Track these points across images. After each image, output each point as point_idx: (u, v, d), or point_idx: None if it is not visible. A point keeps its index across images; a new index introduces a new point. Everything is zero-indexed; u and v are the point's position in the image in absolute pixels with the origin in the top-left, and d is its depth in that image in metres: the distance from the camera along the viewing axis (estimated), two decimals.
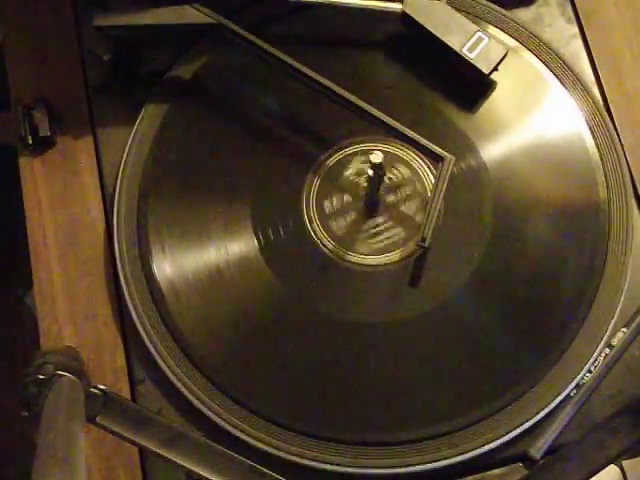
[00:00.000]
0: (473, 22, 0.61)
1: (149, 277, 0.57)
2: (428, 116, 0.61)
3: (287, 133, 0.61)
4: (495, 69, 0.60)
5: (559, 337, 0.55)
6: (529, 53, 0.62)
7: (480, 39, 0.59)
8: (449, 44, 0.60)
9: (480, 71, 0.59)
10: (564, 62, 0.62)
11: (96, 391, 0.48)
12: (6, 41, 0.65)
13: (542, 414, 0.54)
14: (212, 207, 0.59)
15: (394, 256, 0.58)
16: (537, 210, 0.59)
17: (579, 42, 0.65)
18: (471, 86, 0.61)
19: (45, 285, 0.60)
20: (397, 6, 0.60)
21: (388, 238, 0.58)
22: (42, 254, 0.60)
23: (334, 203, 0.59)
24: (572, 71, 0.62)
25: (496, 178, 0.59)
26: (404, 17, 0.61)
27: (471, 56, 0.59)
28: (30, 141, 0.61)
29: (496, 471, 0.54)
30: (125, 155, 0.60)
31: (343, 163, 0.60)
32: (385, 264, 0.58)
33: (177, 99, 0.62)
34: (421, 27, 0.60)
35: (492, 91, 0.61)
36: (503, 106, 0.61)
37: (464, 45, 0.59)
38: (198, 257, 0.58)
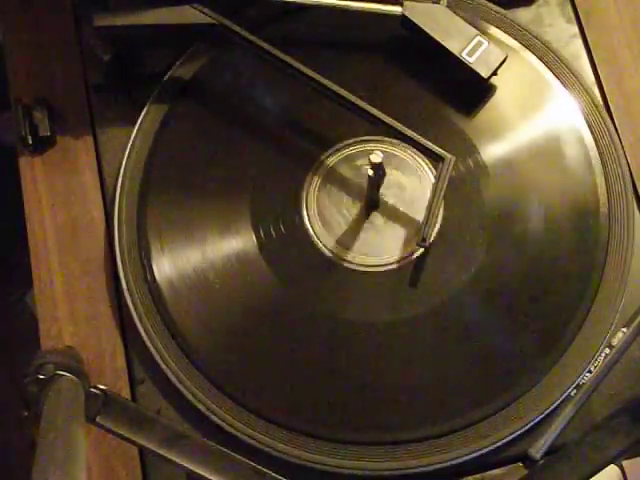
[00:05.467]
0: (473, 22, 0.61)
1: (149, 277, 0.57)
2: (428, 116, 0.61)
3: (287, 133, 0.61)
4: (494, 73, 0.60)
5: (559, 337, 0.55)
6: (529, 53, 0.62)
7: (480, 43, 0.60)
8: (448, 48, 0.60)
9: (479, 75, 0.59)
10: (564, 62, 0.62)
11: (96, 391, 0.48)
12: (6, 41, 0.65)
13: (542, 414, 0.54)
14: (212, 207, 0.59)
15: (394, 256, 0.58)
16: (537, 210, 0.59)
17: (579, 42, 0.65)
18: (471, 87, 0.61)
19: (45, 285, 0.60)
20: (397, 9, 0.60)
21: (388, 238, 0.58)
22: (42, 254, 0.60)
23: (334, 203, 0.59)
24: (572, 71, 0.62)
25: (496, 178, 0.59)
26: (404, 20, 0.61)
27: (470, 60, 0.59)
28: (30, 141, 0.61)
29: (496, 471, 0.54)
30: (125, 155, 0.60)
31: (343, 163, 0.60)
32: (385, 264, 0.58)
33: (177, 99, 0.62)
34: (421, 30, 0.60)
35: (492, 91, 0.61)
36: (503, 106, 0.61)
37: (464, 49, 0.59)
38: (198, 257, 0.58)
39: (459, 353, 0.56)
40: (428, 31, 0.60)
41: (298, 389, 0.55)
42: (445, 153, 0.56)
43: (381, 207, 0.59)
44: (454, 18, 0.60)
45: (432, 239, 0.56)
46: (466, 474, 0.54)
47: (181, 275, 0.57)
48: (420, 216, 0.58)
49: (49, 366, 0.47)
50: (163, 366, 0.55)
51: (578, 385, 0.55)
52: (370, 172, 0.56)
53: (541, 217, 0.58)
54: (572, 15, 0.65)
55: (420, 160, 0.60)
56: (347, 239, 0.58)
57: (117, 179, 0.60)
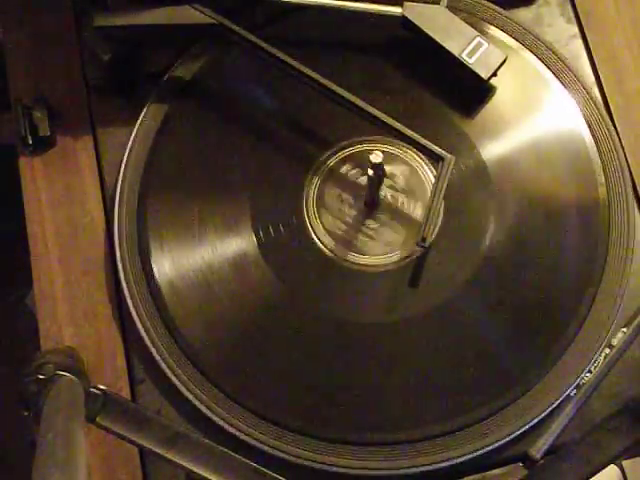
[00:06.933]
0: (473, 22, 0.61)
1: (149, 277, 0.57)
2: (428, 116, 0.61)
3: (287, 133, 0.61)
4: (494, 74, 0.60)
5: (559, 337, 0.55)
6: (529, 53, 0.62)
7: (479, 44, 0.60)
8: (448, 49, 0.60)
9: (479, 76, 0.59)
10: (564, 62, 0.62)
11: (96, 391, 0.48)
12: (6, 41, 0.65)
13: (542, 414, 0.54)
14: (212, 207, 0.59)
15: (394, 256, 0.58)
16: (537, 210, 0.59)
17: (579, 42, 0.65)
18: (471, 87, 0.61)
19: (45, 285, 0.60)
20: (397, 10, 0.60)
21: (388, 238, 0.58)
22: (42, 254, 0.60)
23: (334, 203, 0.59)
24: (572, 71, 0.62)
25: (496, 178, 0.59)
26: (404, 21, 0.61)
27: (470, 61, 0.59)
28: (30, 141, 0.61)
29: (496, 471, 0.54)
30: (125, 155, 0.60)
31: (343, 163, 0.60)
32: (385, 264, 0.58)
33: (177, 99, 0.62)
34: (421, 31, 0.60)
35: (492, 91, 0.61)
36: (503, 106, 0.61)
37: (463, 50, 0.59)
38: (198, 257, 0.58)
39: (459, 353, 0.56)
40: (428, 32, 0.60)
41: (298, 389, 0.55)
42: (445, 153, 0.56)
43: (381, 207, 0.59)
44: (454, 19, 0.60)
45: (432, 239, 0.56)
46: (466, 474, 0.54)
47: (181, 275, 0.57)
48: (420, 216, 0.58)
49: (49, 366, 0.47)
50: (163, 366, 0.55)
51: (578, 385, 0.55)
52: (370, 172, 0.56)
53: (541, 217, 0.58)
54: (572, 15, 0.65)
55: (420, 160, 0.60)
56: (347, 239, 0.58)
57: (117, 179, 0.60)
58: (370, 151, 0.55)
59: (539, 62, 0.62)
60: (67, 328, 0.59)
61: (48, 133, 0.62)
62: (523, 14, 0.65)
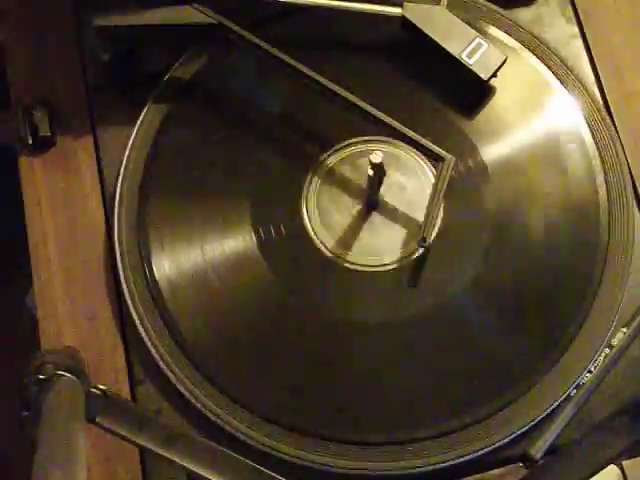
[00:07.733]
0: (473, 22, 0.61)
1: (149, 277, 0.57)
2: (428, 117, 0.61)
3: (287, 133, 0.61)
4: (494, 75, 0.60)
5: (559, 337, 0.55)
6: (529, 53, 0.62)
7: (479, 45, 0.60)
8: (448, 50, 0.60)
9: (479, 77, 0.59)
10: (564, 62, 0.62)
11: (96, 391, 0.48)
12: (6, 41, 0.65)
13: (542, 414, 0.54)
14: (212, 207, 0.59)
15: (394, 256, 0.58)
16: (537, 210, 0.59)
17: (579, 42, 0.65)
18: (471, 87, 0.61)
19: (45, 285, 0.60)
20: (397, 10, 0.60)
21: (388, 238, 0.58)
22: (42, 254, 0.60)
23: (334, 203, 0.59)
24: (572, 71, 0.62)
25: (496, 178, 0.59)
26: (404, 21, 0.61)
27: (470, 62, 0.59)
28: (30, 141, 0.62)
29: (496, 471, 0.54)
30: (125, 155, 0.60)
31: (343, 163, 0.60)
32: (385, 264, 0.58)
33: (177, 99, 0.62)
34: (421, 32, 0.60)
35: (492, 92, 0.61)
36: (503, 106, 0.61)
37: (463, 51, 0.59)
38: (198, 257, 0.58)
39: (459, 353, 0.56)
40: (428, 32, 0.60)
41: (298, 389, 0.55)
42: (445, 153, 0.56)
43: (381, 207, 0.59)
44: (454, 19, 0.60)
45: (432, 239, 0.56)
46: (466, 474, 0.54)
47: (181, 275, 0.57)
48: (420, 216, 0.58)
49: (49, 366, 0.47)
50: (163, 366, 0.55)
51: (578, 385, 0.55)
52: (370, 172, 0.56)
53: (541, 217, 0.58)
54: (572, 15, 0.65)
55: (420, 160, 0.60)
56: (347, 239, 0.58)
57: (117, 179, 0.60)
58: (370, 151, 0.55)
59: (539, 62, 0.62)
60: (67, 328, 0.59)
61: (48, 133, 0.62)
62: (523, 14, 0.65)
